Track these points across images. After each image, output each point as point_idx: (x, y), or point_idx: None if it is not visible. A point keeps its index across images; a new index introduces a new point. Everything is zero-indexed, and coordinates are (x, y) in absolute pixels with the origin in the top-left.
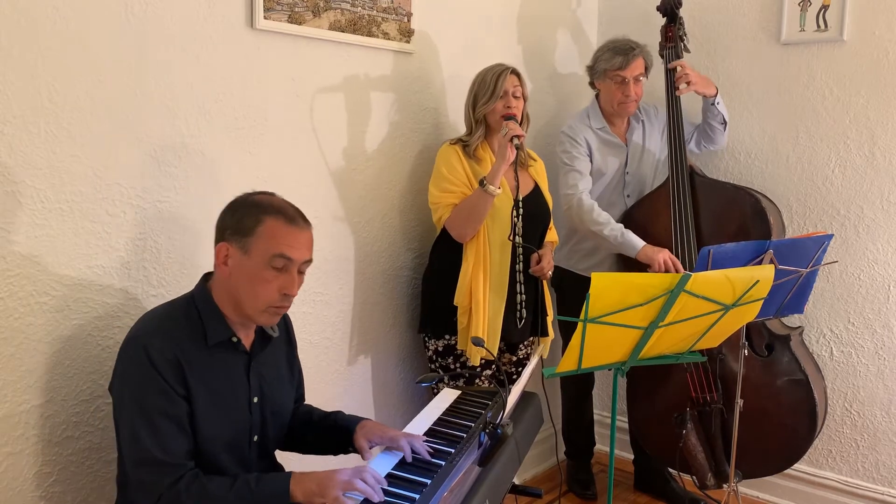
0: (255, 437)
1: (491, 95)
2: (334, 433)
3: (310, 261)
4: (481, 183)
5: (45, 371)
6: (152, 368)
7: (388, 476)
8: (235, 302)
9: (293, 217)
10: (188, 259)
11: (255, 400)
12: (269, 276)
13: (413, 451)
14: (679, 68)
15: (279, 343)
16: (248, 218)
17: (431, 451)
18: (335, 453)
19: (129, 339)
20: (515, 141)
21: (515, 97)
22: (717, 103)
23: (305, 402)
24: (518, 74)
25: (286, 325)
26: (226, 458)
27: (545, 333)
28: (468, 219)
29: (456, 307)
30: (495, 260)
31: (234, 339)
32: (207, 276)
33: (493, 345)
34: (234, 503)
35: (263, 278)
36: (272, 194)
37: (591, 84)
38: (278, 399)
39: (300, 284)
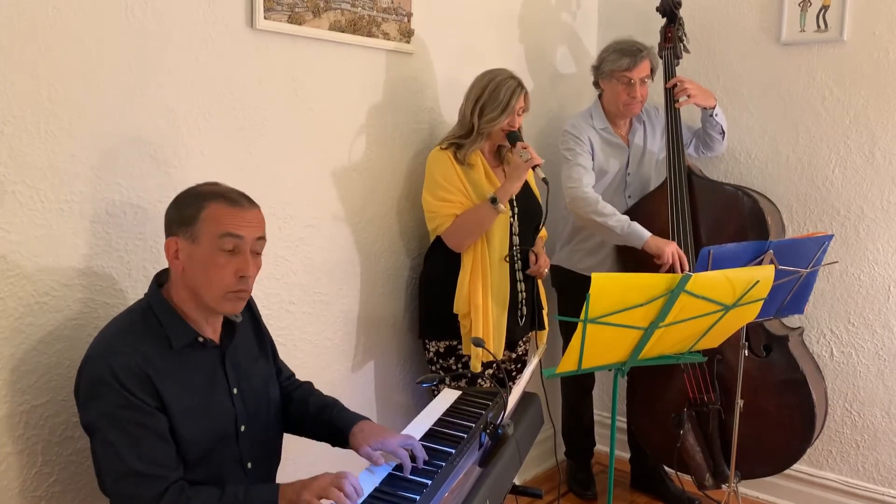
0: (243, 428)
1: (502, 111)
2: (329, 430)
3: (262, 238)
4: (493, 201)
5: (45, 371)
6: (119, 385)
7: (389, 476)
8: (195, 295)
9: (236, 199)
10: None
11: (235, 391)
12: (222, 260)
13: (413, 459)
14: (678, 84)
15: (245, 326)
16: (190, 207)
17: (427, 458)
18: (332, 445)
19: (90, 358)
20: (540, 173)
21: (519, 115)
22: (716, 115)
23: (304, 380)
24: (526, 91)
25: (248, 304)
26: (215, 455)
27: (542, 327)
28: (472, 232)
29: (457, 312)
30: (495, 264)
31: (201, 339)
32: (160, 280)
33: (499, 347)
34: None
35: (216, 263)
36: (215, 183)
37: (596, 84)
38: (258, 384)
39: (258, 267)
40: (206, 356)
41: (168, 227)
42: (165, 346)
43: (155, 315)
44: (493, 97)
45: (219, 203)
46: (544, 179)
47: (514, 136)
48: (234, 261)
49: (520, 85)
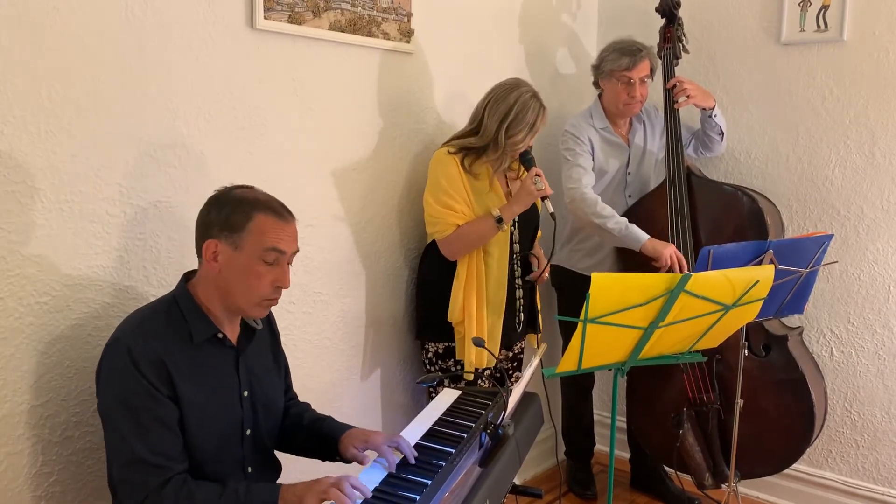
0: (248, 431)
1: (528, 131)
2: (320, 441)
3: (297, 250)
4: (499, 220)
5: (45, 371)
6: (136, 371)
7: (389, 476)
8: (226, 297)
9: (281, 211)
10: (188, 259)
11: (246, 394)
12: (262, 270)
13: (401, 454)
14: (677, 84)
15: (263, 335)
16: (236, 214)
17: (416, 455)
18: (322, 459)
19: (112, 342)
20: (549, 206)
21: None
22: (715, 116)
23: (302, 400)
24: (546, 110)
25: (268, 317)
26: (219, 454)
27: (538, 330)
28: (471, 245)
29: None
30: (492, 271)
31: (220, 335)
32: (188, 276)
33: (493, 351)
34: None
35: (257, 273)
36: (251, 188)
37: (595, 84)
38: (268, 391)
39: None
40: (223, 354)
41: (206, 228)
42: (186, 339)
43: (179, 309)
44: (519, 118)
45: (266, 215)
46: (552, 215)
47: (528, 160)
48: (274, 272)
49: (542, 105)
